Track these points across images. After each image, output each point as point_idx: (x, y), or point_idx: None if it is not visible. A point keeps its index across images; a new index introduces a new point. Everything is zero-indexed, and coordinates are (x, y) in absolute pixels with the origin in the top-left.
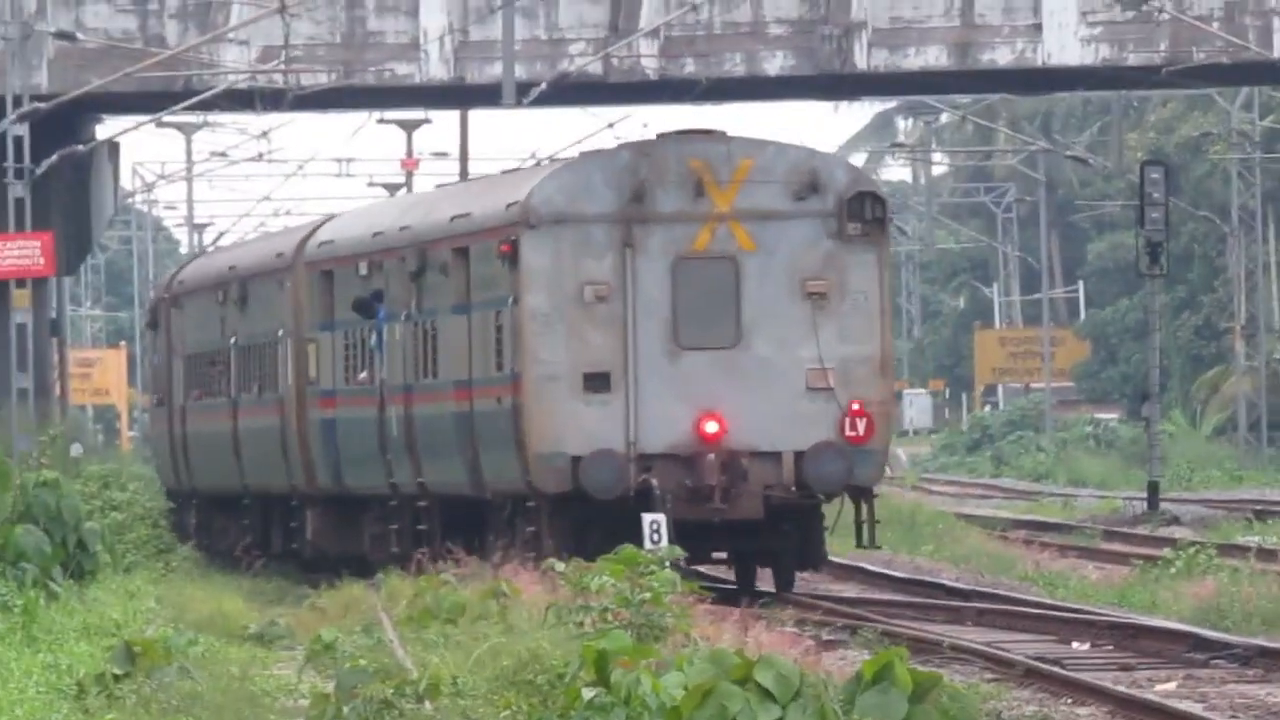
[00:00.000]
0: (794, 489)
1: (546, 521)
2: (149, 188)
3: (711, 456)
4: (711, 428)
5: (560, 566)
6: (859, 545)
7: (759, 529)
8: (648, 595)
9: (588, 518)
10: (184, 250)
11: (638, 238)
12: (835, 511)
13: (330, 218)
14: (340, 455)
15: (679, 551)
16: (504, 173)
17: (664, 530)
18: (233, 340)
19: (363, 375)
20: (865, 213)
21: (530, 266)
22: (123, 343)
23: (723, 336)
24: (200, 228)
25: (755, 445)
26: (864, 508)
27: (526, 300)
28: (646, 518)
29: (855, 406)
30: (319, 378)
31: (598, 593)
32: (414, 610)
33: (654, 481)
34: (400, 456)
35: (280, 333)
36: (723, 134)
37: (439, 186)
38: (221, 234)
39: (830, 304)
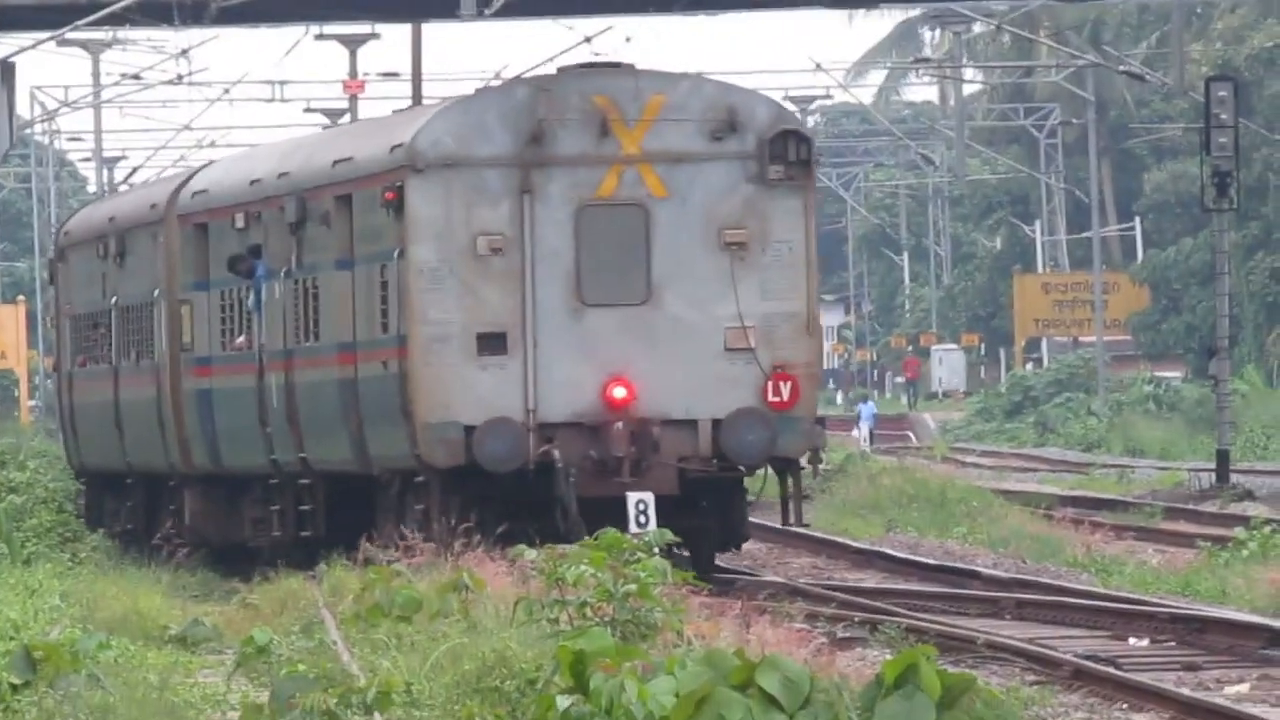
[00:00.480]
0: (712, 461)
1: (437, 499)
2: (50, 116)
3: (619, 425)
4: (619, 393)
5: (531, 554)
6: (785, 524)
7: (674, 505)
8: (633, 587)
9: (484, 494)
10: (91, 189)
11: (537, 183)
12: (760, 483)
13: (206, 165)
14: (217, 429)
15: (669, 535)
16: (395, 112)
17: (651, 511)
18: (113, 300)
19: (240, 340)
20: (789, 154)
21: (417, 216)
22: (21, 297)
23: (632, 292)
24: (110, 163)
25: (668, 412)
26: (790, 482)
27: (413, 253)
28: (632, 496)
29: (779, 369)
30: (194, 343)
31: (575, 584)
32: (361, 607)
33: (556, 453)
34: (281, 429)
35: (155, 293)
36: (631, 67)
37: (325, 128)
38: (135, 170)
39: (751, 255)
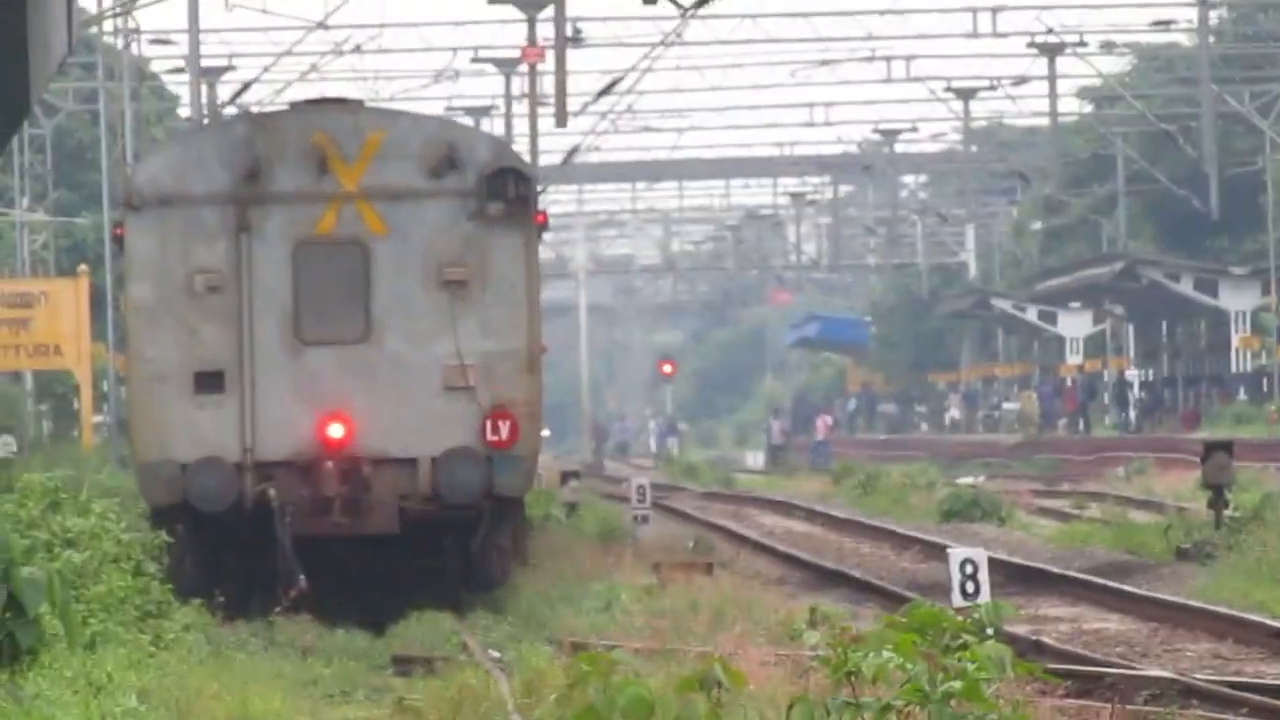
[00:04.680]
0: (432, 499)
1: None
2: (126, 9)
3: (330, 464)
4: (336, 432)
5: (812, 638)
6: (516, 565)
7: (404, 544)
8: (957, 684)
9: (204, 535)
10: (185, 113)
11: (254, 220)
12: None
13: None
14: None
15: (1010, 610)
16: None
17: (983, 577)
18: None
19: None
20: (509, 191)
21: (134, 254)
22: (83, 267)
23: (350, 330)
24: (212, 75)
25: (385, 451)
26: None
27: (132, 290)
28: (955, 554)
29: (498, 408)
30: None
31: (875, 680)
32: (568, 711)
33: (271, 492)
34: None
35: None
36: (357, 103)
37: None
38: (246, 86)
39: (471, 293)
